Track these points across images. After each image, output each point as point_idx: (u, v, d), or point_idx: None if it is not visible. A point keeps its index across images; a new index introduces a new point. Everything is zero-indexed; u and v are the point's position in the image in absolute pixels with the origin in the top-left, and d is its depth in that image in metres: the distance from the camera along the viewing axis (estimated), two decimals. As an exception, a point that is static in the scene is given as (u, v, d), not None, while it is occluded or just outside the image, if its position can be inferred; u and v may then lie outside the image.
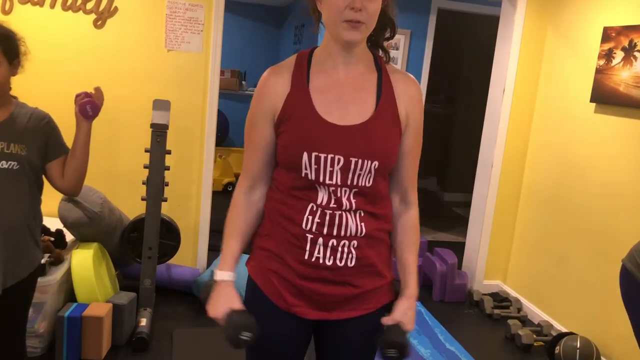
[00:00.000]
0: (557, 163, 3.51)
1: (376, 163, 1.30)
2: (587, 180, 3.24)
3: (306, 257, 1.33)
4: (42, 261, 1.94)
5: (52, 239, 2.83)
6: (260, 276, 1.40)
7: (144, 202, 3.01)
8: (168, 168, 3.04)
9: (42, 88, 3.11)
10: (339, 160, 1.29)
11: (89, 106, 1.92)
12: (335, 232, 1.32)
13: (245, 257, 1.46)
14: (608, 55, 3.07)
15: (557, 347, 3.00)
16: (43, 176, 1.89)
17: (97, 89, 2.01)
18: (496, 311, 3.60)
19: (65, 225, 2.89)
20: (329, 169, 1.29)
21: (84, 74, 3.28)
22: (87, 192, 2.87)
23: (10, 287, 1.78)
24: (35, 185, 1.84)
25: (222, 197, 5.79)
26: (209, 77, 3.47)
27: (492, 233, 3.91)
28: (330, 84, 1.34)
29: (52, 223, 2.86)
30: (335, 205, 1.31)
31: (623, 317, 1.95)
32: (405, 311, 1.38)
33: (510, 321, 3.35)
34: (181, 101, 3.43)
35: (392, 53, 4.75)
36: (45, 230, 2.80)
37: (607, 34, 3.08)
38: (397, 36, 5.33)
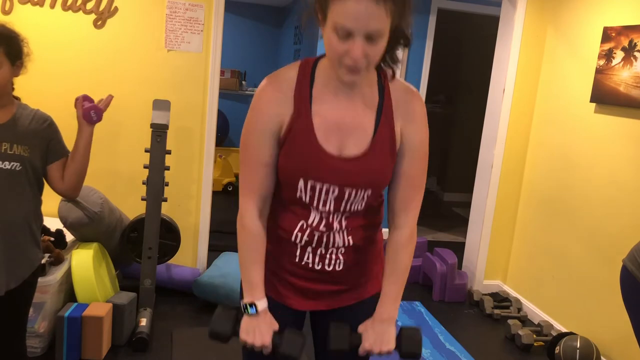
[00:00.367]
0: (557, 163, 3.51)
1: (370, 191, 1.33)
2: (587, 180, 3.24)
3: (297, 260, 1.39)
4: (42, 261, 1.94)
5: (52, 239, 2.83)
6: None
7: (144, 202, 3.01)
8: (168, 168, 3.04)
9: (42, 88, 3.11)
10: (333, 189, 1.30)
11: (92, 112, 1.95)
12: (324, 244, 1.36)
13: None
14: (608, 55, 3.07)
15: (557, 347, 3.00)
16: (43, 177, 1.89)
17: (109, 97, 2.04)
18: (496, 311, 3.60)
19: (65, 225, 2.89)
20: (323, 196, 1.31)
21: (84, 74, 3.28)
22: (87, 192, 2.87)
23: (14, 288, 1.79)
24: (37, 186, 1.85)
25: (222, 197, 5.80)
26: (209, 77, 3.47)
27: (492, 233, 3.91)
28: (331, 108, 1.30)
29: (52, 223, 2.86)
30: (324, 228, 1.35)
31: (623, 317, 1.95)
32: (367, 327, 1.37)
33: (510, 321, 3.35)
34: (181, 101, 3.43)
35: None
36: (45, 231, 2.80)
37: (607, 34, 3.08)
38: (397, 36, 5.29)
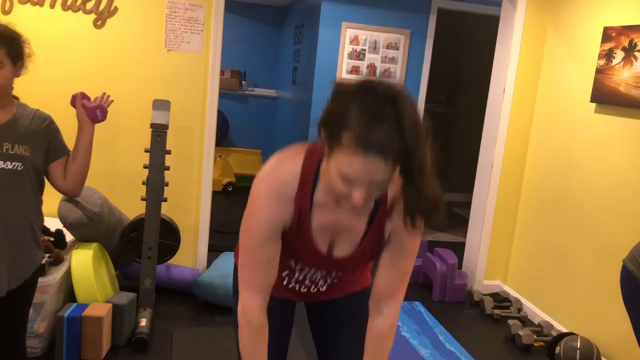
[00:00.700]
0: (558, 163, 3.51)
1: (354, 272, 1.52)
2: (587, 180, 3.24)
3: (284, 283, 1.50)
4: (42, 261, 1.95)
5: (52, 239, 2.83)
6: None
7: (144, 202, 3.01)
8: (168, 168, 3.03)
9: (42, 88, 3.11)
10: (322, 271, 1.45)
11: (99, 111, 1.97)
12: (309, 285, 1.50)
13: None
14: (608, 55, 3.07)
15: (558, 348, 3.00)
16: (44, 177, 1.89)
17: (104, 95, 2.05)
18: (496, 311, 3.60)
19: (65, 226, 2.89)
20: (311, 273, 1.45)
21: (84, 73, 3.27)
22: (86, 192, 2.86)
23: (15, 288, 1.79)
24: (38, 185, 1.85)
25: (222, 197, 5.80)
26: (209, 77, 3.47)
27: (492, 233, 3.90)
28: (330, 213, 1.31)
29: (52, 223, 2.86)
30: (309, 283, 1.48)
31: (623, 317, 1.95)
32: None
33: (510, 321, 3.35)
34: (181, 101, 3.43)
35: (392, 53, 4.79)
36: (45, 231, 2.80)
37: (608, 34, 3.08)
38: (397, 36, 5.35)
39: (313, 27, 4.89)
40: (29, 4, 3.15)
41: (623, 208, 2.96)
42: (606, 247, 3.05)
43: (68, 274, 2.80)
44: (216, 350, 2.85)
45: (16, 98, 1.86)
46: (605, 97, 3.09)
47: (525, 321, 3.58)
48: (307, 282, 1.47)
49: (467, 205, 4.38)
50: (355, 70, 4.70)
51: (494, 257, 3.96)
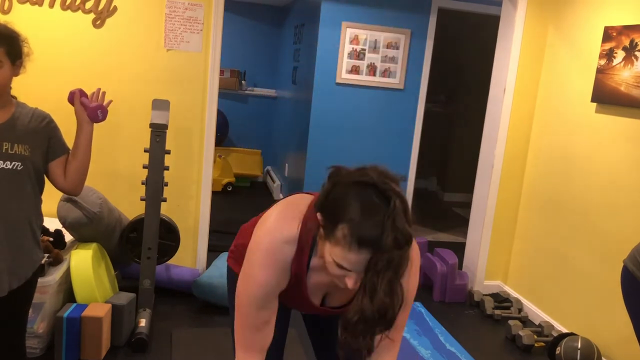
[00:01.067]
0: (558, 163, 3.50)
1: None
2: (588, 180, 3.23)
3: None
4: (42, 261, 1.94)
5: (51, 239, 2.82)
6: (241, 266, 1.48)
7: (144, 202, 3.00)
8: (167, 168, 3.03)
9: (41, 87, 3.10)
10: (315, 313, 1.50)
11: (99, 111, 1.96)
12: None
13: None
14: (609, 55, 3.06)
15: (558, 348, 2.99)
16: (44, 177, 1.88)
17: (99, 90, 2.03)
18: (497, 312, 3.60)
19: (64, 226, 2.88)
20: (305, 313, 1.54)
21: (83, 73, 3.27)
22: (86, 192, 2.86)
23: (15, 288, 1.79)
24: (37, 185, 1.84)
25: (221, 197, 5.80)
26: (209, 76, 3.46)
27: (492, 233, 3.90)
28: (325, 278, 1.32)
29: (51, 223, 2.85)
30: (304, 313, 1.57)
31: (624, 317, 1.95)
32: None
33: (510, 322, 3.34)
34: (180, 101, 3.42)
35: (392, 53, 4.78)
36: (44, 231, 2.79)
37: (608, 34, 3.07)
38: (397, 36, 5.35)
39: (313, 26, 4.88)
40: (28, 3, 3.14)
41: (624, 208, 2.96)
42: (607, 247, 3.05)
43: (67, 274, 2.80)
44: (216, 351, 2.84)
45: (14, 97, 1.85)
46: (606, 97, 3.08)
47: (525, 321, 3.58)
48: (302, 313, 1.55)
49: (467, 205, 4.38)
50: (355, 69, 4.70)
51: (494, 257, 3.95)
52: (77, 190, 1.94)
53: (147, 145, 3.00)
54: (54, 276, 2.66)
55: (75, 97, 1.94)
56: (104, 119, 1.98)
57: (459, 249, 4.28)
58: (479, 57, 5.97)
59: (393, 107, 4.85)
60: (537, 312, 3.60)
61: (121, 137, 3.39)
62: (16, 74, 1.79)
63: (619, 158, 3.01)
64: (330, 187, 1.17)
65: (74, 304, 2.71)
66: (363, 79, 4.73)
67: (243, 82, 7.11)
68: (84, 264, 2.80)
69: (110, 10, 3.25)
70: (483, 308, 3.67)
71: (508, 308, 3.71)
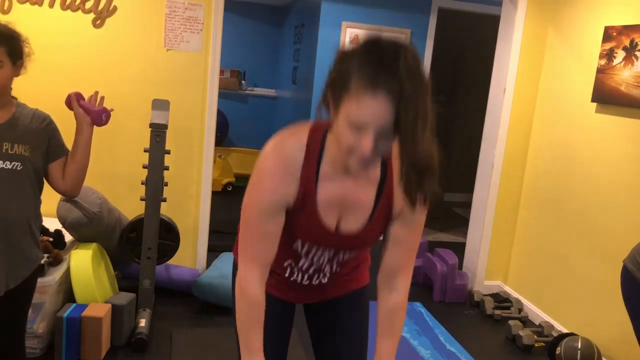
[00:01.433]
0: (558, 163, 3.50)
1: (363, 249, 1.51)
2: (588, 180, 3.23)
3: (286, 275, 1.48)
4: (41, 261, 1.94)
5: (51, 239, 2.82)
6: None
7: (143, 202, 3.00)
8: (167, 168, 3.02)
9: (41, 87, 3.10)
10: (329, 250, 1.40)
11: (104, 115, 1.98)
12: (312, 276, 1.48)
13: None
14: (609, 55, 3.06)
15: (558, 348, 2.99)
16: (43, 177, 1.88)
17: (96, 94, 2.03)
18: (497, 312, 3.59)
19: (64, 226, 2.88)
20: (319, 253, 1.40)
21: (83, 73, 3.27)
22: (85, 192, 2.86)
23: (13, 287, 1.78)
24: (37, 185, 1.84)
25: (221, 197, 5.80)
26: (209, 76, 3.46)
27: (492, 233, 3.90)
28: (337, 187, 1.29)
29: (51, 223, 2.85)
30: (313, 272, 1.45)
31: (624, 317, 1.95)
32: None
33: (511, 322, 3.34)
34: (180, 101, 3.42)
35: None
36: (44, 231, 2.79)
37: (608, 34, 3.07)
38: (397, 36, 5.37)
39: (313, 26, 4.88)
40: (27, 3, 3.14)
41: (624, 208, 2.95)
42: (607, 247, 3.04)
43: (67, 274, 2.79)
44: (216, 351, 2.84)
45: (14, 98, 1.85)
46: (606, 97, 3.08)
47: (525, 322, 3.58)
48: (311, 270, 1.43)
49: (467, 205, 4.37)
50: (355, 70, 4.70)
51: (494, 257, 3.95)
52: (76, 192, 1.94)
53: (147, 145, 3.00)
54: (54, 276, 2.66)
55: (73, 100, 1.95)
56: (107, 122, 2.00)
57: (459, 249, 4.28)
58: (479, 57, 5.97)
59: (393, 107, 4.84)
60: (537, 312, 3.60)
61: (121, 137, 3.39)
62: (17, 74, 1.80)
63: (619, 158, 3.00)
64: (336, 62, 1.15)
65: (74, 304, 2.71)
66: (363, 79, 4.72)
67: (243, 82, 7.11)
68: (83, 264, 2.80)
69: (110, 10, 3.25)
70: (483, 308, 3.67)
71: (508, 308, 3.71)
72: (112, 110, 2.08)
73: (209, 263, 3.68)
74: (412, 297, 3.79)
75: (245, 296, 1.34)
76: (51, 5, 3.17)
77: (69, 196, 1.99)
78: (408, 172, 1.16)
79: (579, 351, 2.92)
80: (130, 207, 3.27)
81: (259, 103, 7.24)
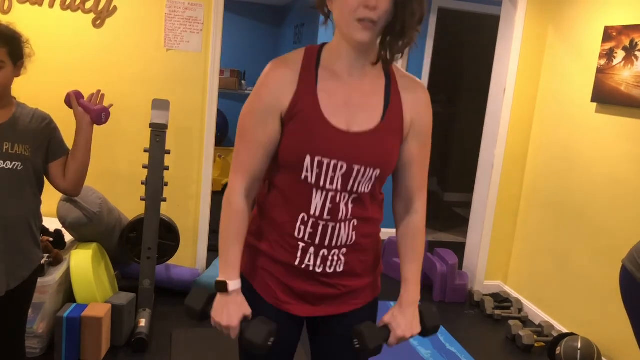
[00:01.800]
0: (558, 163, 3.50)
1: (378, 171, 1.30)
2: (588, 180, 3.23)
3: (297, 263, 1.34)
4: (42, 261, 1.94)
5: (51, 239, 2.82)
6: (251, 273, 1.41)
7: (143, 202, 3.00)
8: (167, 168, 3.03)
9: (41, 87, 3.10)
10: (341, 166, 1.27)
11: (104, 114, 1.97)
12: (327, 242, 1.33)
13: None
14: (609, 55, 3.06)
15: (558, 348, 2.99)
16: (44, 177, 1.88)
17: (99, 93, 2.03)
18: (497, 312, 3.59)
19: (64, 226, 2.88)
20: (330, 174, 1.28)
21: (83, 73, 3.27)
22: (86, 192, 2.86)
23: (14, 288, 1.78)
24: (37, 185, 1.84)
25: (221, 197, 5.77)
26: (209, 76, 3.46)
27: (492, 233, 3.90)
28: (338, 87, 1.30)
29: (51, 223, 2.85)
30: (329, 217, 1.31)
31: (624, 317, 1.94)
32: (394, 315, 1.39)
33: (511, 322, 3.34)
34: (180, 101, 3.42)
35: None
36: (44, 231, 2.79)
37: (608, 34, 3.07)
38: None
39: (313, 26, 4.88)
40: (27, 3, 3.14)
41: (624, 208, 2.95)
42: (607, 247, 3.04)
43: (67, 274, 2.79)
44: (216, 351, 2.84)
45: (14, 98, 1.86)
46: (606, 97, 3.08)
47: (525, 321, 3.58)
48: (325, 214, 1.30)
49: (467, 205, 4.37)
50: (355, 70, 4.70)
51: (494, 257, 3.95)
52: (77, 191, 1.94)
53: (147, 145, 3.00)
54: (54, 276, 2.66)
55: (72, 99, 1.94)
56: (106, 121, 1.99)
57: (459, 249, 4.28)
58: (479, 57, 5.97)
59: (393, 107, 4.84)
60: (537, 312, 3.60)
61: (121, 137, 3.39)
62: (17, 75, 1.80)
63: (619, 158, 3.00)
64: None
65: (74, 304, 2.71)
66: (363, 78, 4.72)
67: (243, 82, 7.11)
68: (83, 264, 2.80)
69: (110, 10, 3.25)
70: (483, 308, 3.67)
71: (508, 308, 3.71)
72: (111, 105, 2.07)
73: (209, 263, 3.68)
74: (412, 297, 3.80)
75: (228, 205, 1.34)
76: (51, 5, 3.17)
77: (71, 195, 1.99)
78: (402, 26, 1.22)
79: (579, 351, 2.92)
80: (130, 207, 3.27)
81: (259, 103, 7.23)
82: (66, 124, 1.97)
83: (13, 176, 1.73)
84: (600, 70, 3.12)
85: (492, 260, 3.95)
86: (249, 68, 7.17)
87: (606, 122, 3.11)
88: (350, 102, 1.30)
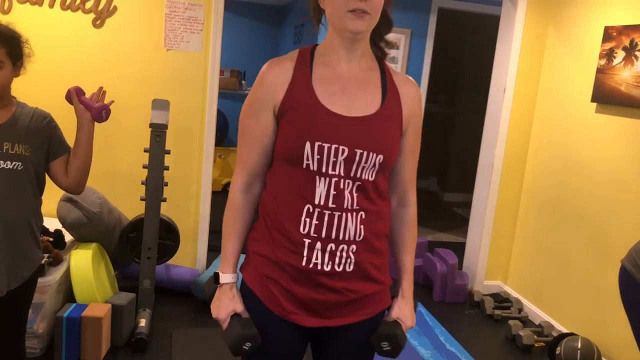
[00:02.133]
0: (558, 163, 3.50)
1: (381, 157, 1.28)
2: (588, 180, 3.23)
3: (304, 263, 1.29)
4: (42, 261, 1.94)
5: (51, 239, 2.82)
6: (256, 282, 1.37)
7: (143, 202, 3.00)
8: (167, 168, 3.03)
9: (41, 87, 3.10)
10: (343, 150, 1.25)
11: (104, 112, 1.96)
12: (334, 235, 1.28)
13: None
14: (609, 55, 3.06)
15: (558, 348, 2.99)
16: (45, 177, 1.88)
17: (101, 90, 2.02)
18: (497, 312, 3.59)
19: (64, 226, 2.88)
20: (332, 159, 1.26)
21: (83, 73, 3.27)
22: (86, 192, 2.86)
23: (15, 288, 1.79)
24: (38, 185, 1.84)
25: (221, 197, 5.77)
26: (209, 76, 3.46)
27: (492, 233, 3.90)
28: (333, 76, 1.32)
29: (51, 223, 2.85)
30: (334, 205, 1.27)
31: (624, 317, 1.94)
32: (401, 308, 1.41)
33: (511, 322, 3.34)
34: (180, 101, 3.42)
35: (392, 53, 4.77)
36: (44, 231, 2.79)
37: (608, 34, 3.07)
38: (397, 36, 5.35)
39: (313, 26, 4.88)
40: (27, 3, 3.14)
41: (624, 208, 2.96)
42: (607, 247, 3.04)
43: (67, 274, 2.80)
44: (216, 351, 2.84)
45: (14, 97, 1.85)
46: (606, 97, 3.08)
47: (525, 321, 3.58)
48: (331, 202, 1.27)
49: (467, 205, 4.37)
50: (355, 70, 4.70)
51: (494, 257, 3.95)
52: (80, 189, 1.94)
53: (147, 145, 3.00)
54: (54, 276, 2.66)
55: (73, 96, 1.93)
56: (107, 119, 1.98)
57: (459, 249, 4.28)
58: (479, 57, 5.97)
59: (393, 107, 4.84)
60: (537, 312, 3.60)
61: (121, 137, 3.39)
62: (17, 75, 1.80)
63: (619, 158, 3.01)
64: None
65: (74, 304, 2.71)
66: (363, 78, 4.73)
67: (243, 82, 7.11)
68: (83, 264, 2.80)
69: (110, 10, 3.25)
70: (483, 308, 3.67)
71: (508, 308, 3.71)
72: (112, 102, 2.06)
73: (209, 263, 3.68)
74: (412, 297, 3.80)
75: (230, 203, 1.40)
76: (51, 5, 3.17)
77: (74, 193, 1.98)
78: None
79: (578, 351, 2.92)
80: (130, 207, 3.27)
81: (259, 103, 7.23)
82: (67, 124, 1.97)
83: (13, 176, 1.73)
84: (600, 70, 3.12)
85: (492, 260, 3.95)
86: (249, 68, 7.17)
87: (606, 122, 3.11)
88: (347, 90, 1.31)
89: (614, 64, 3.03)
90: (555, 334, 3.28)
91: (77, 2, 3.21)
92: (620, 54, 2.98)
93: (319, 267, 1.29)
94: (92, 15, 3.24)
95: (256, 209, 1.42)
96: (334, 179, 1.27)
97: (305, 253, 1.29)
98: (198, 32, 3.39)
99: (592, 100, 3.19)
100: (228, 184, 6.04)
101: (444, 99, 6.66)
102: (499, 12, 3.84)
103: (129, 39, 3.32)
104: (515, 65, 3.69)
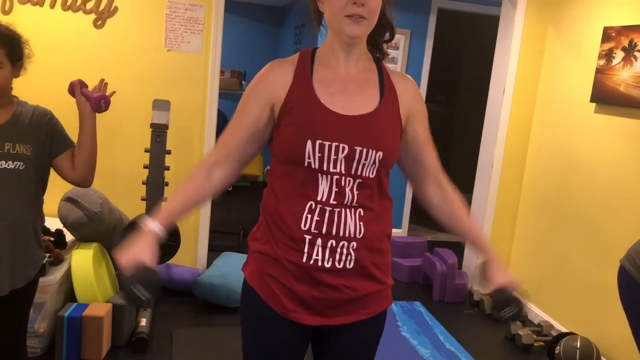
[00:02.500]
0: (558, 163, 3.51)
1: (380, 154, 1.30)
2: (587, 180, 3.24)
3: (304, 259, 1.30)
4: (43, 261, 1.95)
5: (52, 239, 2.83)
6: (257, 281, 1.38)
7: (144, 202, 3.00)
8: (168, 168, 3.03)
9: (42, 88, 3.10)
10: (343, 148, 1.28)
11: (103, 101, 1.97)
12: (334, 231, 1.29)
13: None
14: (608, 55, 3.07)
15: (557, 347, 3.00)
16: (47, 176, 1.89)
17: (102, 82, 2.03)
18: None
19: (65, 225, 2.89)
20: (333, 157, 1.28)
21: (84, 73, 3.22)
22: (87, 192, 2.87)
23: (18, 288, 1.79)
24: (40, 185, 1.85)
25: (221, 197, 5.78)
26: (209, 77, 3.47)
27: (492, 233, 3.90)
28: (333, 78, 1.35)
29: (52, 223, 2.85)
30: (335, 202, 1.29)
31: (623, 317, 1.95)
32: (501, 272, 1.42)
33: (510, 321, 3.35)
34: (181, 101, 3.43)
35: (392, 53, 4.78)
36: (45, 230, 2.80)
37: (607, 34, 3.08)
38: (397, 36, 5.35)
39: (313, 27, 4.88)
40: (29, 4, 3.15)
41: (623, 208, 2.96)
42: (606, 247, 3.05)
43: (68, 273, 2.80)
44: (216, 351, 2.85)
45: (14, 97, 1.86)
46: (605, 97, 3.09)
47: (525, 321, 3.58)
48: (332, 199, 1.29)
49: (467, 205, 4.37)
50: (355, 70, 4.70)
51: (494, 257, 3.95)
52: (89, 181, 1.94)
53: (148, 145, 3.01)
54: (55, 276, 2.67)
55: (76, 88, 1.95)
56: (106, 109, 1.98)
57: (459, 248, 4.28)
58: (478, 57, 5.97)
59: (393, 107, 4.85)
60: (536, 311, 3.61)
61: (122, 137, 3.40)
62: (16, 76, 1.80)
63: (618, 158, 3.01)
64: None
65: (75, 304, 2.72)
66: (363, 79, 4.73)
67: (243, 82, 7.11)
68: (84, 263, 2.81)
69: (110, 11, 3.26)
70: (482, 307, 3.68)
71: (508, 308, 3.70)
72: (113, 93, 2.07)
73: (209, 263, 3.69)
74: (412, 296, 3.81)
75: (189, 175, 1.39)
76: (52, 5, 3.18)
77: (83, 186, 1.98)
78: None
79: (578, 350, 2.92)
80: (131, 207, 3.27)
81: (259, 103, 7.24)
82: (68, 123, 1.97)
83: (15, 176, 1.74)
84: (599, 71, 3.13)
85: (492, 260, 3.95)
86: (249, 68, 7.17)
87: (605, 123, 3.12)
88: (347, 90, 1.34)
89: (613, 64, 3.04)
90: (554, 333, 3.29)
91: (78, 3, 3.21)
92: (619, 54, 2.99)
93: (320, 264, 1.30)
94: (93, 16, 3.25)
95: (215, 192, 1.40)
96: (335, 177, 1.29)
97: (305, 249, 1.30)
98: (198, 33, 3.40)
99: (592, 101, 3.19)
100: (228, 184, 6.05)
101: (444, 99, 6.66)
102: (499, 12, 3.85)
103: (130, 40, 3.33)
104: (514, 65, 3.70)
